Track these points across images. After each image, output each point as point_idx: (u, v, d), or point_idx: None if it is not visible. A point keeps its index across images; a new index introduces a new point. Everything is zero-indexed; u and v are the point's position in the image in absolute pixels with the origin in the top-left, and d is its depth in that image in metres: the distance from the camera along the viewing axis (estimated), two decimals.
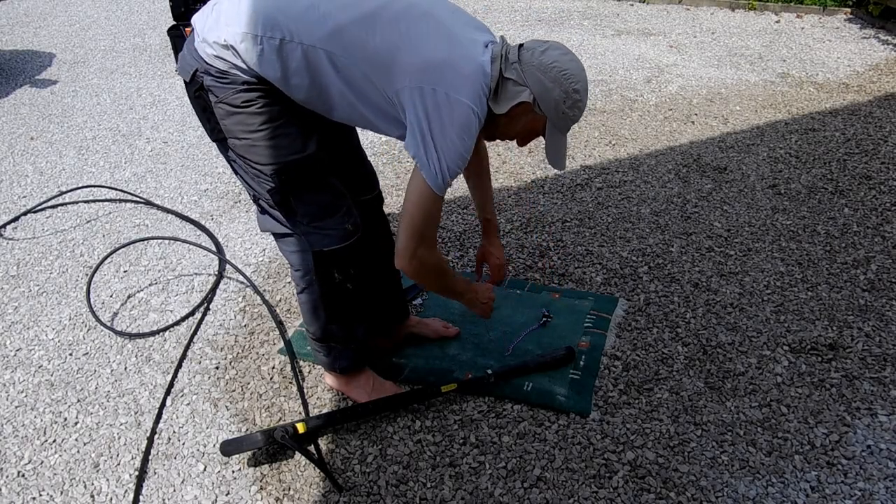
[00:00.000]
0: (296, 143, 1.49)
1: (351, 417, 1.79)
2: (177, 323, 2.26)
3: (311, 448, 1.75)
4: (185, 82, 1.50)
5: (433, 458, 1.73)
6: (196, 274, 2.53)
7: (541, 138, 1.52)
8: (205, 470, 1.74)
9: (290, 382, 1.99)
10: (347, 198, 1.60)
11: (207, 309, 2.33)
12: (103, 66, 4.91)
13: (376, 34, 1.35)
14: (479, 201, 1.89)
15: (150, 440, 1.82)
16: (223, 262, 2.58)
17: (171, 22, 4.56)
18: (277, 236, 1.68)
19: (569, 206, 2.85)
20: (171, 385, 2.00)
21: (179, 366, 2.07)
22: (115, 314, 2.34)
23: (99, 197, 3.10)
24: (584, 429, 1.78)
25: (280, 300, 2.36)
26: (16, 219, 2.95)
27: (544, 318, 2.15)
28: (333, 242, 1.57)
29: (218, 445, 1.79)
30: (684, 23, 5.35)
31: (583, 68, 1.43)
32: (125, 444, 1.83)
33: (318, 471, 1.70)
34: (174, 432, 1.86)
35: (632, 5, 5.90)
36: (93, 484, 1.72)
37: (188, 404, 1.94)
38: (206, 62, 1.42)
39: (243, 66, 1.39)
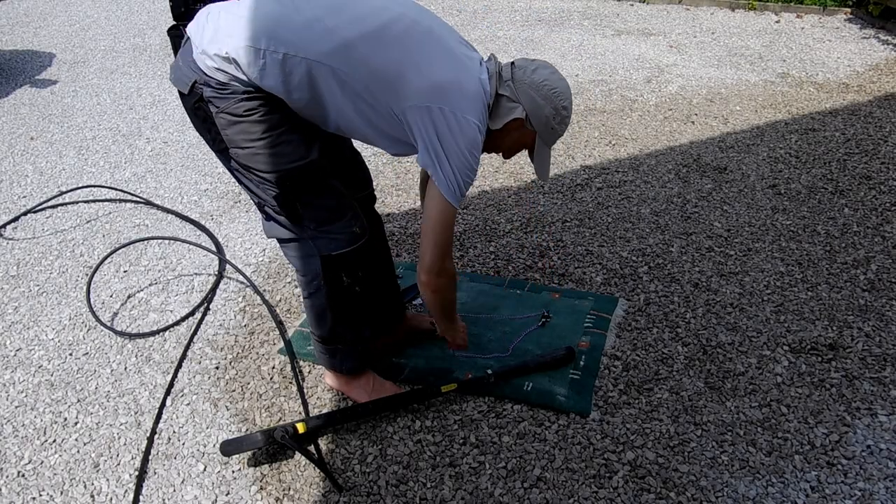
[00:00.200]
0: (299, 150, 1.48)
1: (351, 417, 1.79)
2: (177, 323, 2.26)
3: (311, 448, 1.75)
4: (180, 93, 1.48)
5: (433, 458, 1.73)
6: (196, 274, 2.53)
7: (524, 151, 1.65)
8: (205, 470, 1.74)
9: (290, 382, 1.99)
10: (352, 201, 1.60)
11: (207, 309, 2.33)
12: (103, 66, 4.91)
13: (382, 51, 1.38)
14: None
15: (150, 440, 1.82)
16: (223, 262, 2.58)
17: (171, 22, 4.57)
18: (282, 242, 1.67)
19: (569, 206, 2.85)
20: (171, 385, 2.00)
21: (179, 366, 2.07)
22: (115, 314, 2.34)
23: (99, 197, 3.11)
24: (584, 429, 1.78)
25: (280, 300, 2.36)
26: (16, 219, 2.95)
27: (544, 319, 2.15)
28: (341, 246, 1.58)
29: (218, 445, 1.79)
30: (684, 23, 5.35)
31: (569, 86, 1.56)
32: (125, 444, 1.83)
33: (318, 471, 1.70)
34: (174, 432, 1.86)
35: (632, 5, 5.90)
36: (93, 484, 1.72)
37: (188, 404, 1.94)
38: (205, 74, 1.40)
39: (244, 78, 1.39)
